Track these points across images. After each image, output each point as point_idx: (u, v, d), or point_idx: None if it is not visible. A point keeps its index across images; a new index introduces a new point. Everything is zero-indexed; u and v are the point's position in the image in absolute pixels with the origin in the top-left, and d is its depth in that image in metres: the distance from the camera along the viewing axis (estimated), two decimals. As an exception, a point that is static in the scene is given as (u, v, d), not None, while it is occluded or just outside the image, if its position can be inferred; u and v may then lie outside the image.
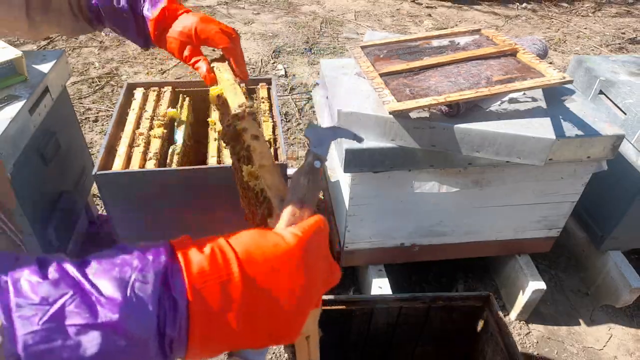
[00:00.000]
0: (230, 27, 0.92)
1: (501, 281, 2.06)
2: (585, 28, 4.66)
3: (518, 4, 5.17)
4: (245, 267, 0.44)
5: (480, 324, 1.44)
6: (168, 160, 1.47)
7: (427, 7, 4.98)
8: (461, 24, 4.62)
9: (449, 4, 5.07)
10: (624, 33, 4.59)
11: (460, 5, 5.04)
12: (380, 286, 1.79)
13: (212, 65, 0.92)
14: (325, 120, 1.72)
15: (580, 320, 2.00)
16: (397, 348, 1.52)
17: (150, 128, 1.56)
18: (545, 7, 5.12)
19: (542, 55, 1.72)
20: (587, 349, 1.90)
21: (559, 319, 2.00)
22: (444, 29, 3.98)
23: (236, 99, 0.80)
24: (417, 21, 4.62)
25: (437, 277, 2.09)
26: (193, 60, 0.92)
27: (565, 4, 5.22)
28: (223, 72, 0.90)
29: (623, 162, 1.83)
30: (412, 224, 1.73)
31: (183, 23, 0.90)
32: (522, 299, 1.89)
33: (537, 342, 1.91)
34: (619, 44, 4.36)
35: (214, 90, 0.88)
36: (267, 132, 1.57)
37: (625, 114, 1.83)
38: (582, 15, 4.98)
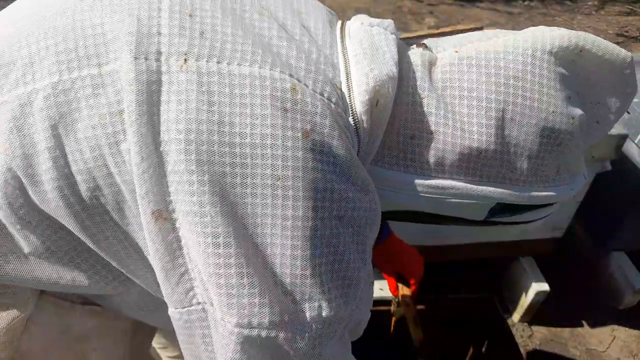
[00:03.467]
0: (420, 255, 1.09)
1: (504, 283, 2.04)
2: (589, 26, 4.63)
3: (521, 1, 5.15)
4: None
5: (483, 326, 1.43)
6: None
7: (428, 4, 4.95)
8: (463, 21, 4.59)
9: (451, 1, 5.05)
10: (627, 32, 4.56)
11: (462, 3, 5.02)
12: (382, 288, 1.77)
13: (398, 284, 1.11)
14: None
15: (583, 322, 1.99)
16: (398, 350, 1.51)
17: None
18: (548, 5, 5.09)
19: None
20: (590, 350, 1.89)
21: (561, 320, 1.99)
22: (446, 26, 3.96)
23: (417, 331, 1.06)
24: (419, 19, 4.59)
25: (440, 279, 2.07)
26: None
27: (568, 2, 5.19)
28: (404, 289, 1.11)
29: (627, 162, 1.81)
30: (414, 224, 1.71)
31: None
32: (525, 301, 1.87)
33: (540, 344, 1.89)
34: (623, 42, 4.33)
35: (399, 312, 1.11)
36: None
37: (628, 113, 1.81)
38: (585, 14, 4.95)
